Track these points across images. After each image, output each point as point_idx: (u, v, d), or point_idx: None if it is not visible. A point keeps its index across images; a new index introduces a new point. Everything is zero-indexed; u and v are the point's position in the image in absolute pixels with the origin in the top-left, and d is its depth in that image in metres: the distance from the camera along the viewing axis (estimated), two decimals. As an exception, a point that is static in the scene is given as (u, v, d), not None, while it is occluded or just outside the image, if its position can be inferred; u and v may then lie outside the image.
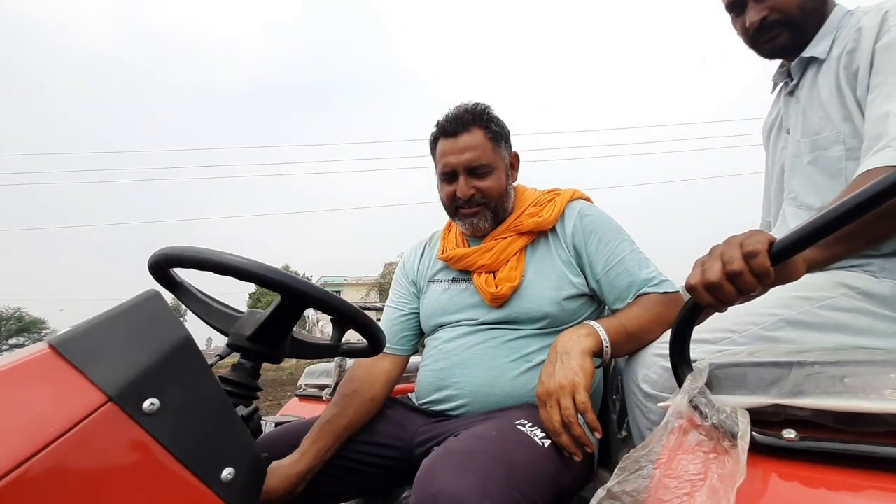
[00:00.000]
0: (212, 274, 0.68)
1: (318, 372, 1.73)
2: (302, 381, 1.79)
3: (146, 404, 0.49)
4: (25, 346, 0.95)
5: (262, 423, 1.60)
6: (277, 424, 1.51)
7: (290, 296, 0.69)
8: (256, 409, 0.67)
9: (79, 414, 0.46)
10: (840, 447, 0.54)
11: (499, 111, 1.12)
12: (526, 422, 0.86)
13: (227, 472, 0.53)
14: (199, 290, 0.86)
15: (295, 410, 1.70)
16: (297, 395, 1.79)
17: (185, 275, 0.83)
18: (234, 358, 0.78)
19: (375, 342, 0.84)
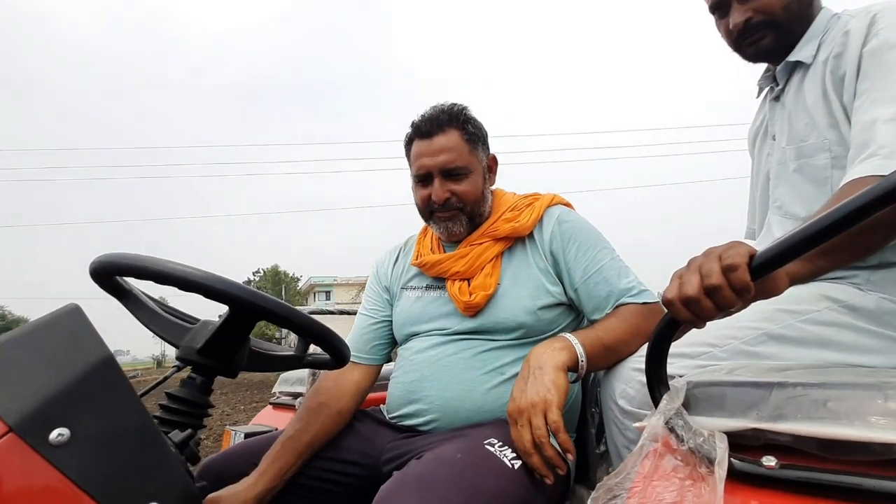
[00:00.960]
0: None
1: (292, 380, 1.67)
2: (276, 389, 1.73)
3: (53, 435, 0.44)
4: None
5: (232, 433, 1.55)
6: (248, 435, 1.45)
7: (239, 307, 0.64)
8: (193, 434, 0.61)
9: (-25, 445, 0.40)
10: (822, 477, 0.51)
11: (489, 113, 1.08)
12: (496, 441, 0.81)
13: None
14: (150, 298, 0.80)
15: (268, 419, 1.64)
16: (270, 404, 1.72)
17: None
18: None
19: (338, 355, 0.80)
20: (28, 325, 0.49)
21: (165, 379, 0.77)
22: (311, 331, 0.72)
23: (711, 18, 1.07)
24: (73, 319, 0.50)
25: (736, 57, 1.03)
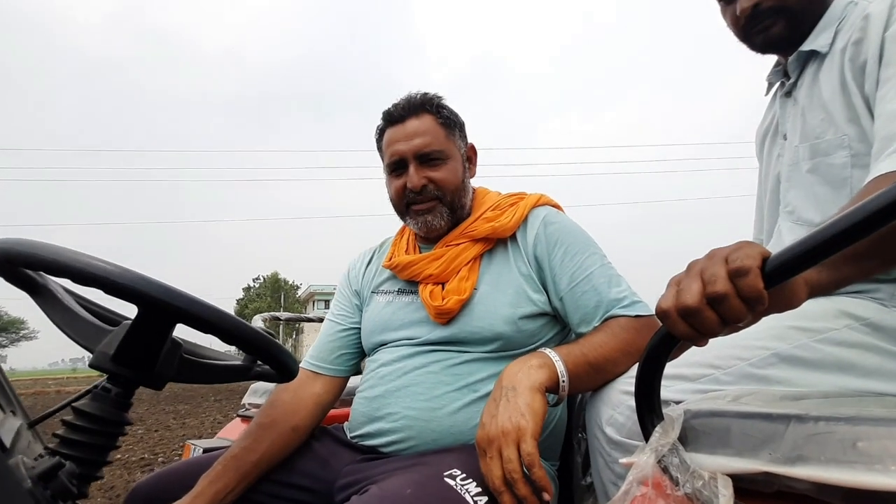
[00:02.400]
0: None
1: (262, 390, 1.56)
2: (245, 400, 1.61)
3: None
4: (3, 345, 0.79)
5: (192, 448, 1.43)
6: (207, 450, 1.34)
7: (148, 307, 0.54)
8: (62, 464, 0.51)
9: None
10: (852, 538, 0.40)
11: (493, 127, 0.99)
12: (458, 472, 0.70)
13: None
14: (68, 294, 0.70)
15: (234, 433, 1.52)
16: (238, 416, 1.61)
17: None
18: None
19: (280, 367, 0.69)
20: None
21: (86, 393, 0.66)
22: (243, 339, 0.61)
23: (715, 10, 0.99)
24: None
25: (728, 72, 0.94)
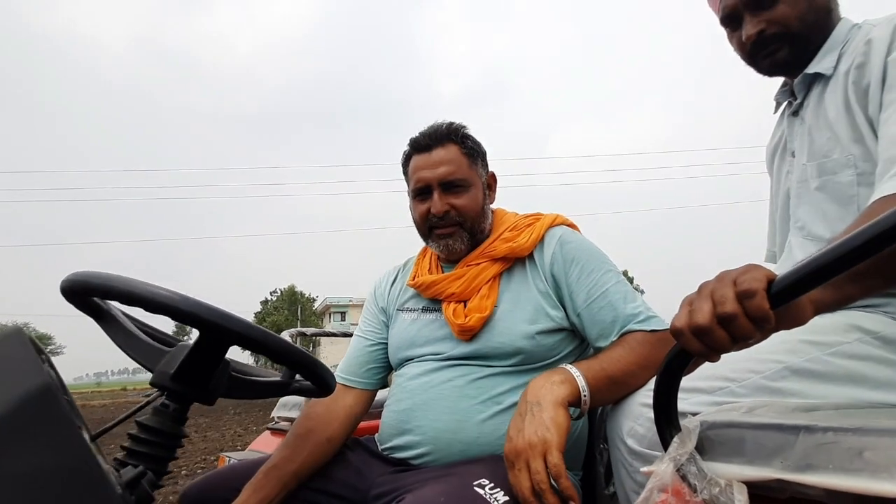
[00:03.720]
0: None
1: (291, 404, 1.62)
2: (275, 413, 1.67)
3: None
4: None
5: (227, 459, 1.49)
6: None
7: (208, 331, 0.60)
8: (144, 473, 0.56)
9: None
10: (859, 541, 0.44)
11: (505, 137, 1.04)
12: (487, 482, 0.74)
13: None
14: (128, 318, 0.77)
15: (265, 446, 1.58)
16: (269, 429, 1.67)
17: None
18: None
19: (321, 383, 0.74)
20: None
21: (141, 408, 0.72)
22: (288, 357, 0.67)
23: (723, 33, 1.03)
24: (9, 344, 0.46)
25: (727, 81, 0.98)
